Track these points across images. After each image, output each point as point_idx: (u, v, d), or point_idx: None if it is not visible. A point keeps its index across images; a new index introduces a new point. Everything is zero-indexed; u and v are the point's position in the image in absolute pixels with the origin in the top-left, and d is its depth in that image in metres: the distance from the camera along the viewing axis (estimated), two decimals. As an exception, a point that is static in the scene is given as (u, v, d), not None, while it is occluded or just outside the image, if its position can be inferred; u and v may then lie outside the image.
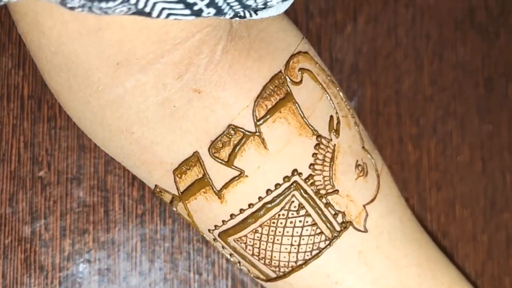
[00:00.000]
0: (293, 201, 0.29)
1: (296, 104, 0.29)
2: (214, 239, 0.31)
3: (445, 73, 0.40)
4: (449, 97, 0.40)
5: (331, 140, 0.30)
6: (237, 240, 0.30)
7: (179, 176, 0.29)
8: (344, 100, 0.32)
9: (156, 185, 0.30)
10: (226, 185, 0.29)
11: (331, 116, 0.30)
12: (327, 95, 0.31)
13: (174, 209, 0.31)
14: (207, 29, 0.27)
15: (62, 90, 0.29)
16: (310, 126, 0.29)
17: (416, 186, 0.39)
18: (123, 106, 0.28)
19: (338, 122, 0.31)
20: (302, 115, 0.29)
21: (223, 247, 0.31)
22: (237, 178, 0.29)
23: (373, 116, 0.39)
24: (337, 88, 0.31)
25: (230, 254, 0.32)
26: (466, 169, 0.40)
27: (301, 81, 0.30)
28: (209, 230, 0.31)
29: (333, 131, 0.30)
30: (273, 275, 0.31)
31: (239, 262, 0.32)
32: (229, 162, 0.28)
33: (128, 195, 0.35)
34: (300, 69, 0.30)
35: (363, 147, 0.32)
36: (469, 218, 0.40)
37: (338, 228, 0.30)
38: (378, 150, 0.39)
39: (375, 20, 0.39)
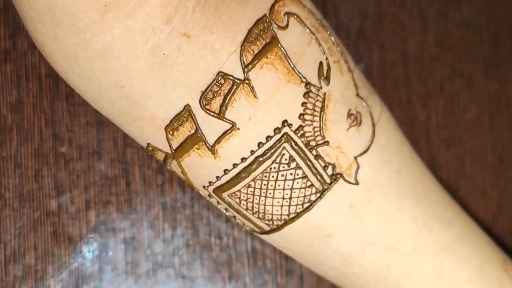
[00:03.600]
0: (283, 154, 0.29)
1: (283, 49, 0.29)
2: (209, 195, 0.31)
3: (450, 33, 0.41)
4: (455, 56, 0.41)
5: (321, 88, 0.30)
6: (231, 195, 0.31)
7: (171, 133, 0.29)
8: (336, 44, 0.31)
9: (148, 144, 0.30)
10: (219, 140, 0.29)
11: (321, 62, 0.30)
12: (316, 40, 0.30)
13: (168, 167, 0.31)
14: None
15: (47, 41, 0.28)
16: (298, 73, 0.29)
17: (426, 144, 0.40)
18: (112, 57, 0.27)
19: (329, 69, 0.30)
20: (290, 61, 0.29)
21: (218, 202, 0.32)
22: (229, 131, 0.29)
23: (381, 78, 0.39)
24: (328, 32, 0.31)
25: (226, 209, 0.32)
26: (474, 126, 0.41)
27: (287, 25, 0.29)
28: (203, 187, 0.31)
29: (322, 78, 0.30)
30: (267, 228, 0.32)
31: (234, 217, 0.32)
32: (220, 114, 0.28)
33: (148, 166, 0.36)
34: (286, 13, 0.29)
35: (357, 94, 0.32)
36: (478, 174, 0.41)
37: (328, 181, 0.30)
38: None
39: (379, -17, 0.40)
